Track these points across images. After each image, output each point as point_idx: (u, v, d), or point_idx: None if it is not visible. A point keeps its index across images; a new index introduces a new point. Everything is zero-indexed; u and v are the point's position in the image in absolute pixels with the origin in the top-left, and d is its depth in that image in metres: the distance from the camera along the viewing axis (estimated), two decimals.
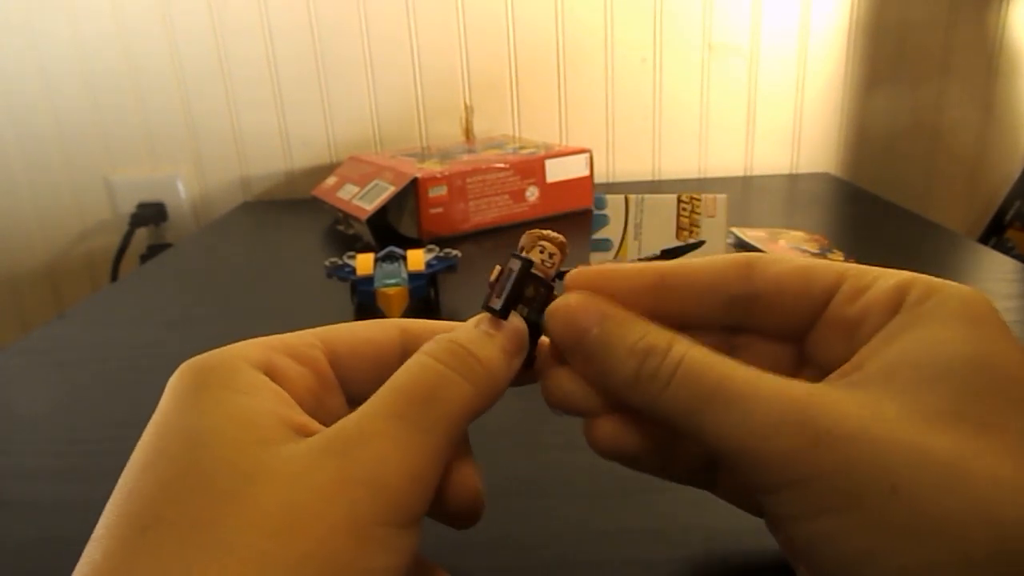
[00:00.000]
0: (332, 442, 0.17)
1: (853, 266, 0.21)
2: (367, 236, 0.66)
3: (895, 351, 0.18)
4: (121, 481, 0.17)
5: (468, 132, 0.85)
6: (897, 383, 0.18)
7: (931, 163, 0.91)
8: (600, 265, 0.22)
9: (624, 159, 0.91)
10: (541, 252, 0.22)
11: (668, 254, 0.40)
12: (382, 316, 0.46)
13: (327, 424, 0.19)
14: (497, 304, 0.21)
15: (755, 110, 0.89)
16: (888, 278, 0.20)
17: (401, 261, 0.48)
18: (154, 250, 0.91)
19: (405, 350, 0.22)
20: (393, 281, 0.46)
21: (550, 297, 0.22)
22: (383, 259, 0.48)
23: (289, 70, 0.89)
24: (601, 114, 0.90)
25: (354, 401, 0.21)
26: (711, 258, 0.22)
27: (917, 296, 0.19)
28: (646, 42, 0.87)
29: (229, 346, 0.20)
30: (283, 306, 0.54)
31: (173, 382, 0.19)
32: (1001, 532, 0.16)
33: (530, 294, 0.22)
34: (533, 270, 0.22)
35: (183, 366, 0.19)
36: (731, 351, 0.22)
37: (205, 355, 0.19)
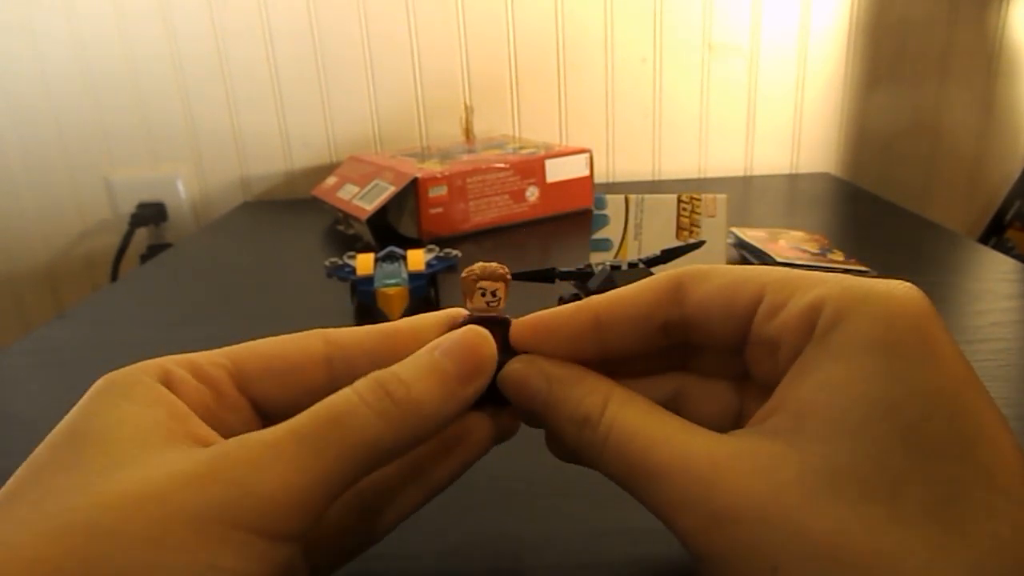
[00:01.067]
0: (219, 447, 0.17)
1: (776, 277, 0.20)
2: (367, 236, 0.66)
3: (803, 394, 0.17)
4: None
5: (468, 132, 0.85)
6: (802, 436, 0.17)
7: (931, 163, 0.91)
8: (538, 315, 0.22)
9: (624, 159, 0.91)
10: (483, 295, 0.22)
11: (668, 254, 0.40)
12: (382, 316, 0.46)
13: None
14: None
15: (755, 110, 0.89)
16: (803, 294, 0.18)
17: (401, 261, 0.48)
18: (154, 250, 0.91)
19: (330, 362, 0.22)
20: (393, 281, 0.46)
21: (508, 331, 0.22)
22: (383, 259, 0.48)
23: (289, 70, 0.89)
24: (601, 114, 0.90)
25: (271, 419, 0.21)
26: (641, 286, 0.21)
27: (828, 320, 0.17)
28: (646, 42, 0.87)
29: (140, 362, 0.20)
30: (283, 306, 0.54)
31: (88, 392, 0.19)
32: None
33: None
34: (480, 314, 0.22)
35: (99, 380, 0.20)
36: (684, 377, 0.23)
37: (118, 370, 0.20)
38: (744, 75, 0.88)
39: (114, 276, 0.90)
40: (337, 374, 0.22)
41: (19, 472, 0.18)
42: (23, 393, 0.43)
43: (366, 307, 0.47)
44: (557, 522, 0.28)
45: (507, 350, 0.22)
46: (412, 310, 0.47)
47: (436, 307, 0.49)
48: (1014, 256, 0.64)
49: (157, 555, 0.15)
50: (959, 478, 0.15)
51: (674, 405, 0.22)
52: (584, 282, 0.39)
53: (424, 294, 0.48)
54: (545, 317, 0.22)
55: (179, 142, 0.91)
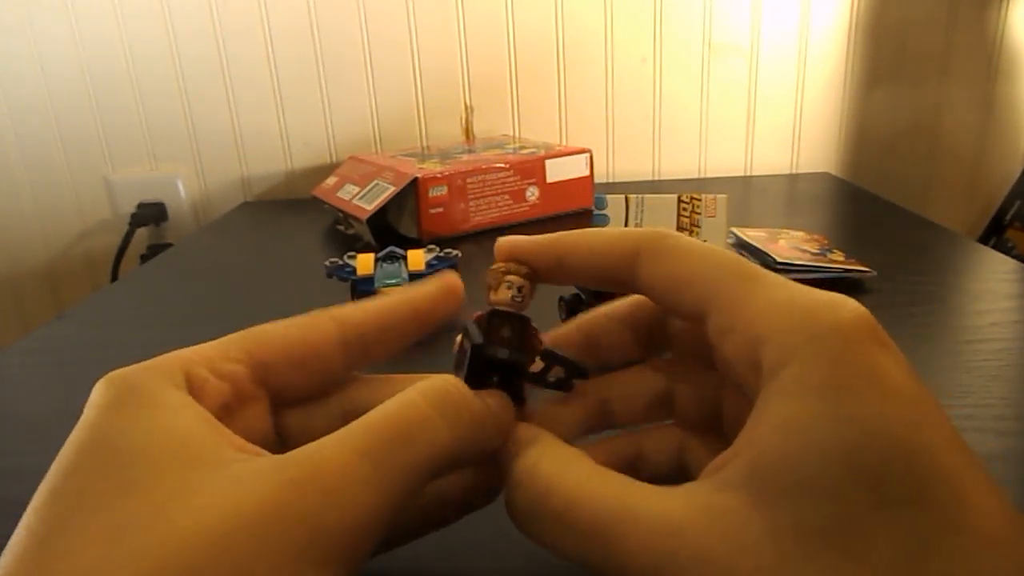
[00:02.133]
0: (285, 466, 0.17)
1: (722, 290, 0.18)
2: (367, 236, 0.66)
3: (760, 446, 0.16)
4: (38, 489, 0.17)
5: (468, 132, 0.85)
6: (761, 492, 0.16)
7: (931, 163, 0.91)
8: (517, 239, 0.22)
9: (624, 159, 0.91)
10: (509, 288, 0.21)
11: None
12: None
13: (249, 440, 0.19)
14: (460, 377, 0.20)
15: (755, 110, 0.89)
16: (745, 328, 0.18)
17: (401, 261, 0.48)
18: (154, 250, 0.91)
19: (345, 343, 0.21)
20: (393, 281, 0.46)
21: (527, 330, 0.21)
22: (383, 259, 0.48)
23: (289, 70, 0.89)
24: (601, 114, 0.90)
25: (292, 404, 0.21)
26: (604, 242, 0.21)
27: (773, 361, 0.17)
28: (646, 42, 0.87)
29: (151, 360, 0.19)
30: (283, 306, 0.53)
31: (94, 394, 0.18)
32: None
33: (505, 335, 0.21)
34: (503, 307, 0.21)
35: (104, 379, 0.19)
36: (673, 394, 0.23)
37: (127, 368, 0.19)
38: (744, 75, 0.88)
39: (114, 276, 0.90)
40: (352, 355, 0.21)
41: (56, 488, 0.16)
42: (23, 393, 0.43)
43: None
44: None
45: (523, 348, 0.21)
46: None
47: None
48: (1014, 256, 0.64)
49: None
50: (926, 527, 0.14)
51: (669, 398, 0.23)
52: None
53: None
54: (522, 242, 0.22)
55: (179, 142, 0.91)
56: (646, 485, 0.18)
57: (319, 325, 0.21)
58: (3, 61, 0.88)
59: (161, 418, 0.18)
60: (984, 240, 0.88)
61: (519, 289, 0.21)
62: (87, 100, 0.90)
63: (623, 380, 0.23)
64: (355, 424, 0.18)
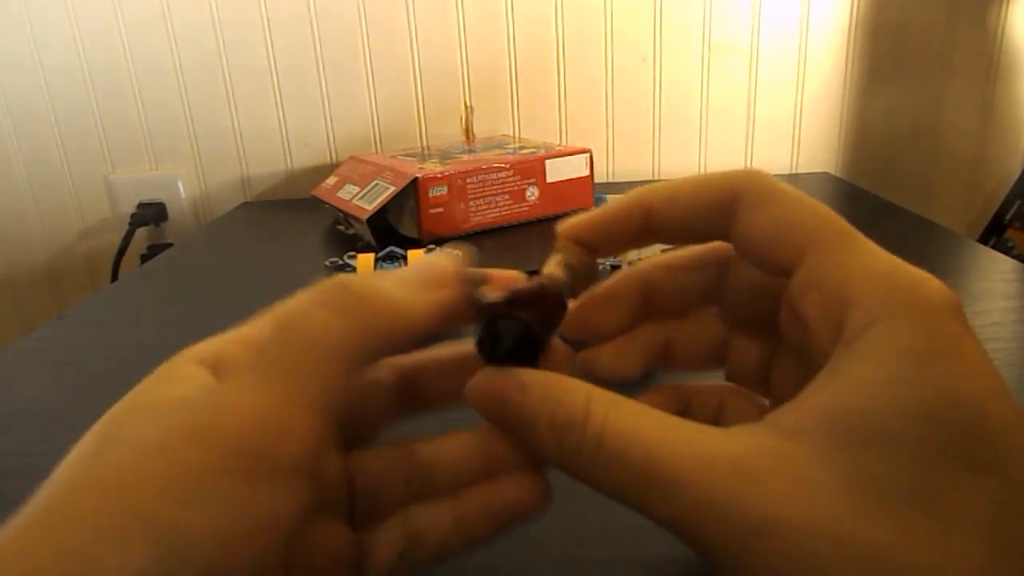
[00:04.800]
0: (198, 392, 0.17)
1: (818, 242, 0.19)
2: (367, 236, 0.66)
3: (835, 398, 0.16)
4: None
5: (468, 132, 0.85)
6: (834, 442, 0.16)
7: (931, 163, 0.91)
8: (585, 216, 0.22)
9: (624, 159, 0.91)
10: (566, 268, 0.21)
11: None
12: None
13: None
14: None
15: (755, 110, 0.89)
16: (836, 287, 0.18)
17: (401, 261, 0.48)
18: (154, 250, 0.91)
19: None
20: None
21: (558, 310, 0.20)
22: (383, 259, 0.49)
23: (289, 70, 0.89)
24: (601, 114, 0.90)
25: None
26: (696, 185, 0.21)
27: (857, 324, 0.17)
28: (646, 42, 0.87)
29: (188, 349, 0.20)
30: None
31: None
32: None
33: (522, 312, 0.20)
34: (540, 282, 0.20)
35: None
36: (722, 293, 0.23)
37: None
38: (744, 75, 0.88)
39: (114, 276, 0.90)
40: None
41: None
42: (23, 393, 0.43)
43: None
44: (557, 522, 0.28)
45: (541, 323, 0.20)
46: None
47: None
48: (1014, 256, 0.64)
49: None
50: (1004, 493, 0.15)
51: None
52: None
53: None
54: (595, 218, 0.21)
55: (179, 142, 0.91)
56: (696, 423, 0.17)
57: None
58: (3, 61, 0.88)
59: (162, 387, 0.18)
60: (984, 240, 0.88)
61: (570, 268, 0.21)
62: (87, 100, 0.90)
63: (687, 325, 0.24)
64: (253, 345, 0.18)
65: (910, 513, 0.15)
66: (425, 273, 0.19)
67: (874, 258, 0.18)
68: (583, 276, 0.21)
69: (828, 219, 0.19)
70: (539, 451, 0.19)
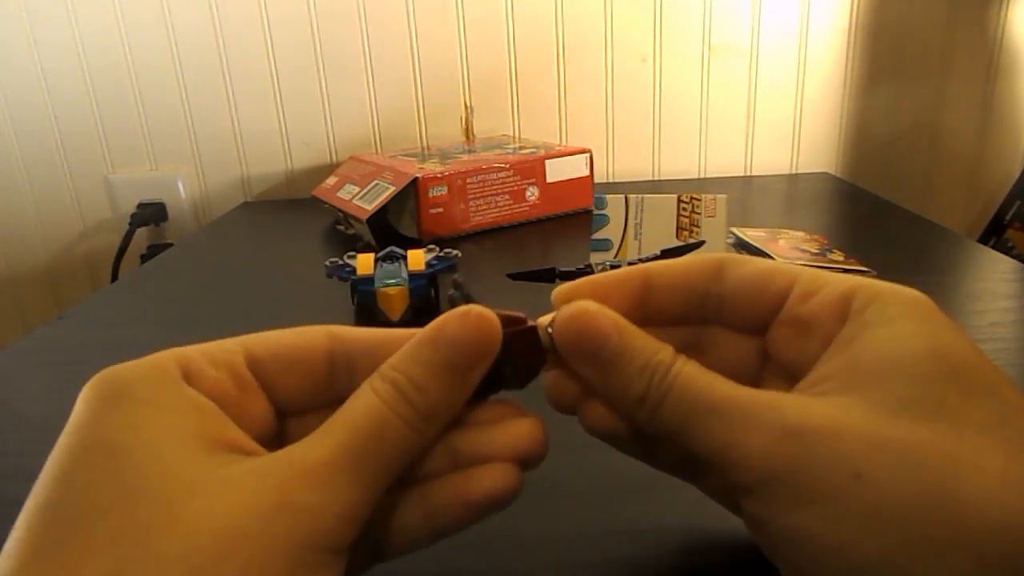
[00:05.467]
0: (275, 464, 0.18)
1: (807, 271, 0.22)
2: (367, 236, 0.66)
3: (849, 357, 0.19)
4: (32, 494, 0.17)
5: (468, 132, 0.85)
6: (857, 383, 0.18)
7: (931, 163, 0.91)
8: (582, 280, 0.23)
9: (624, 159, 0.91)
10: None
11: (668, 254, 0.40)
12: (383, 316, 0.46)
13: (251, 431, 0.19)
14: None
15: (755, 110, 0.89)
16: (836, 285, 0.21)
17: (401, 261, 0.48)
18: (154, 250, 0.91)
19: (331, 355, 0.22)
20: (393, 281, 0.46)
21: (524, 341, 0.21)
22: (383, 259, 0.48)
23: (289, 70, 0.89)
24: (601, 114, 0.90)
25: (279, 409, 0.21)
26: (688, 259, 0.24)
27: (862, 302, 0.20)
28: (646, 42, 0.87)
29: (144, 357, 0.19)
30: (283, 306, 0.54)
31: (85, 394, 0.18)
32: (960, 512, 0.16)
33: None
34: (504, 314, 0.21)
35: (95, 379, 0.18)
36: (700, 345, 0.24)
37: (119, 367, 0.19)
38: (744, 75, 0.88)
39: (114, 276, 0.90)
40: (336, 367, 0.22)
41: (51, 497, 0.16)
42: (23, 393, 0.43)
43: (366, 307, 0.47)
44: (557, 522, 0.28)
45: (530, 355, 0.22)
46: (412, 310, 0.47)
47: (436, 307, 0.49)
48: (1014, 256, 0.64)
49: None
50: (1003, 407, 0.18)
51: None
52: None
53: (424, 294, 0.48)
54: (594, 280, 0.23)
55: (179, 142, 0.91)
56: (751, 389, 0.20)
57: (311, 332, 0.22)
58: (3, 61, 0.88)
59: (156, 417, 0.18)
60: (984, 240, 0.88)
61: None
62: (87, 100, 0.90)
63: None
64: (333, 423, 0.19)
65: (930, 420, 0.17)
66: (471, 356, 0.20)
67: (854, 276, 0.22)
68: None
69: (807, 268, 0.23)
70: (619, 390, 0.21)
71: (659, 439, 0.22)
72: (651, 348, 0.20)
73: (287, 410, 0.22)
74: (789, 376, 0.22)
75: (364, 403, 0.19)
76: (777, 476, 0.18)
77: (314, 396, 0.22)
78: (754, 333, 0.23)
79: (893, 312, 0.19)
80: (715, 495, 0.24)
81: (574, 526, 0.28)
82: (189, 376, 0.19)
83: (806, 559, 0.18)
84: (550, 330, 0.21)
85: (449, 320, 0.20)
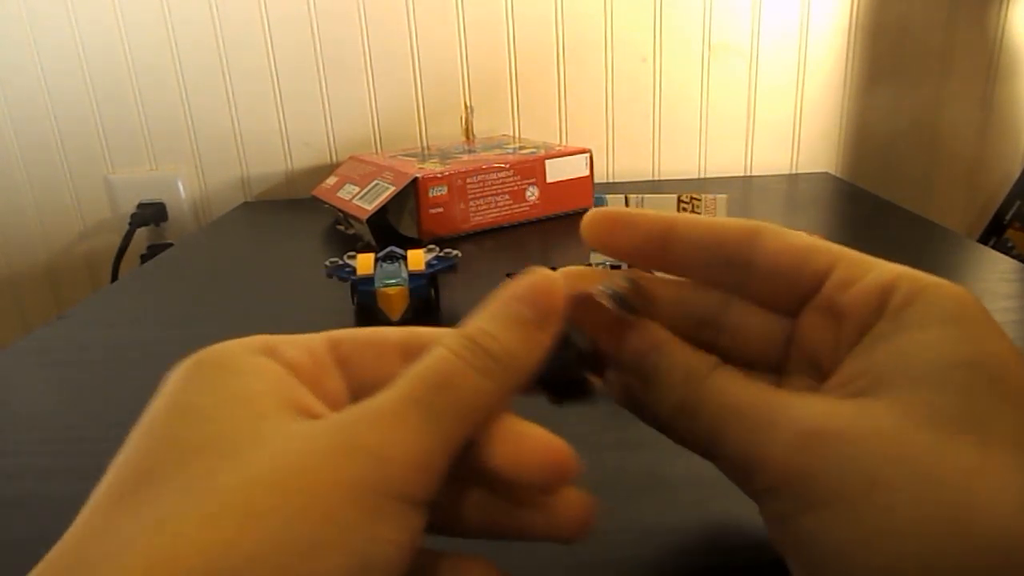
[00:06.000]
0: (343, 415, 0.17)
1: (849, 253, 0.21)
2: (367, 236, 0.66)
3: (883, 356, 0.19)
4: (116, 457, 0.17)
5: (468, 132, 0.85)
6: (886, 385, 0.18)
7: (931, 163, 0.91)
8: (613, 209, 0.23)
9: (624, 159, 0.91)
10: (612, 297, 0.22)
11: None
12: (383, 316, 0.46)
13: (326, 404, 0.19)
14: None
15: (755, 110, 0.89)
16: (878, 275, 0.20)
17: (401, 261, 0.48)
18: (154, 250, 0.91)
19: (406, 343, 0.22)
20: (393, 281, 0.46)
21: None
22: (383, 259, 0.48)
23: (289, 70, 0.89)
24: (601, 114, 0.90)
25: (357, 394, 0.21)
26: (719, 219, 0.23)
27: (903, 298, 0.19)
28: (646, 42, 0.87)
29: (236, 339, 0.20)
30: (283, 306, 0.54)
31: (172, 373, 0.19)
32: (971, 532, 0.16)
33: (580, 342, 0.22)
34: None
35: (183, 360, 0.19)
36: (723, 320, 0.23)
37: (206, 348, 0.19)
38: (744, 75, 0.88)
39: (114, 276, 0.90)
40: (410, 354, 0.21)
41: (128, 456, 0.17)
42: (23, 393, 0.43)
43: (366, 307, 0.47)
44: None
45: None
46: (412, 310, 0.47)
47: (436, 307, 0.49)
48: (1014, 256, 0.64)
49: (323, 531, 0.15)
50: None
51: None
52: None
53: (424, 294, 0.48)
54: (622, 213, 0.23)
55: (179, 142, 0.91)
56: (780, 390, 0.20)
57: (387, 330, 0.22)
58: (3, 61, 0.88)
59: (232, 380, 0.18)
60: (984, 240, 0.89)
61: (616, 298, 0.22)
62: (87, 100, 0.90)
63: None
64: (402, 376, 0.18)
65: (957, 432, 0.17)
66: (541, 311, 0.20)
67: (899, 264, 0.21)
68: (634, 296, 0.22)
69: (850, 250, 0.21)
70: (658, 399, 0.21)
71: (694, 445, 0.22)
72: (691, 359, 0.21)
73: (362, 395, 0.22)
74: (814, 363, 0.21)
75: (433, 356, 0.19)
76: (794, 478, 0.18)
77: (389, 380, 0.22)
78: (782, 312, 0.22)
79: (935, 314, 0.19)
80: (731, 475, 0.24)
81: None
82: (269, 351, 0.20)
83: (815, 561, 0.18)
84: (611, 290, 0.22)
85: (517, 280, 0.20)
